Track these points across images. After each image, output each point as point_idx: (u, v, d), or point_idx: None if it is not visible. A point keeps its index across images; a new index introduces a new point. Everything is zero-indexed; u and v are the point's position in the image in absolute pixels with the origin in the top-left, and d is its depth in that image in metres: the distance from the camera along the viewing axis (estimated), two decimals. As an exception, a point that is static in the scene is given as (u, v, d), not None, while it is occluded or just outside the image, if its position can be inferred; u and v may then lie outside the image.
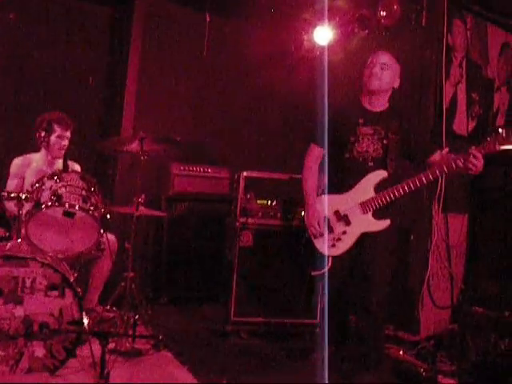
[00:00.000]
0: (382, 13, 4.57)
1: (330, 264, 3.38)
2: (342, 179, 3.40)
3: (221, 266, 4.55)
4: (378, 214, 3.30)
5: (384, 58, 3.39)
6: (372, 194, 3.30)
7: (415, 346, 4.02)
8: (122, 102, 5.07)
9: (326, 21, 5.00)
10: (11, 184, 3.90)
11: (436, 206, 4.42)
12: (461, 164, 3.09)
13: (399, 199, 3.30)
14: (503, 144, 3.04)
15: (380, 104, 3.43)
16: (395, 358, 3.87)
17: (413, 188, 3.21)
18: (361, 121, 3.37)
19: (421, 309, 4.36)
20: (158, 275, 4.93)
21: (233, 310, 4.08)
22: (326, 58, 4.88)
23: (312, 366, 3.44)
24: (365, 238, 3.33)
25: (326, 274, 3.35)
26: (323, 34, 5.14)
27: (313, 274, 3.48)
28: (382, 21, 4.60)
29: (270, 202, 4.18)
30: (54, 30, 5.03)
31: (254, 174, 4.21)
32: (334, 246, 3.37)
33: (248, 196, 4.16)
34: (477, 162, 3.06)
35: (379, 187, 3.30)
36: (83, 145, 4.18)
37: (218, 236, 4.83)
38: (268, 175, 4.25)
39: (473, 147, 3.12)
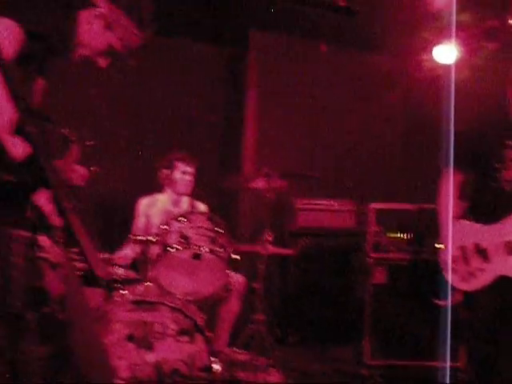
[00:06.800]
0: (513, 22, 4.21)
1: (457, 298, 2.99)
2: (485, 209, 2.93)
3: (348, 304, 4.30)
4: None
5: None
6: None
7: None
8: (241, 138, 5.05)
9: (450, 37, 4.68)
10: (138, 223, 3.95)
11: None
12: None
13: None
14: None
15: None
16: None
17: None
18: (510, 143, 2.85)
19: None
20: (285, 314, 4.75)
21: (367, 352, 3.82)
22: (451, 77, 4.55)
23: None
24: (507, 284, 2.79)
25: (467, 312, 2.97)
26: (446, 52, 4.84)
27: (435, 301, 3.15)
28: (514, 31, 4.23)
29: (402, 234, 3.89)
30: (171, 72, 5.12)
31: (383, 206, 4.00)
32: (465, 280, 2.92)
33: (377, 229, 3.91)
34: None
35: None
36: (204, 183, 4.15)
37: (344, 272, 4.61)
38: (397, 206, 4.01)
39: None
